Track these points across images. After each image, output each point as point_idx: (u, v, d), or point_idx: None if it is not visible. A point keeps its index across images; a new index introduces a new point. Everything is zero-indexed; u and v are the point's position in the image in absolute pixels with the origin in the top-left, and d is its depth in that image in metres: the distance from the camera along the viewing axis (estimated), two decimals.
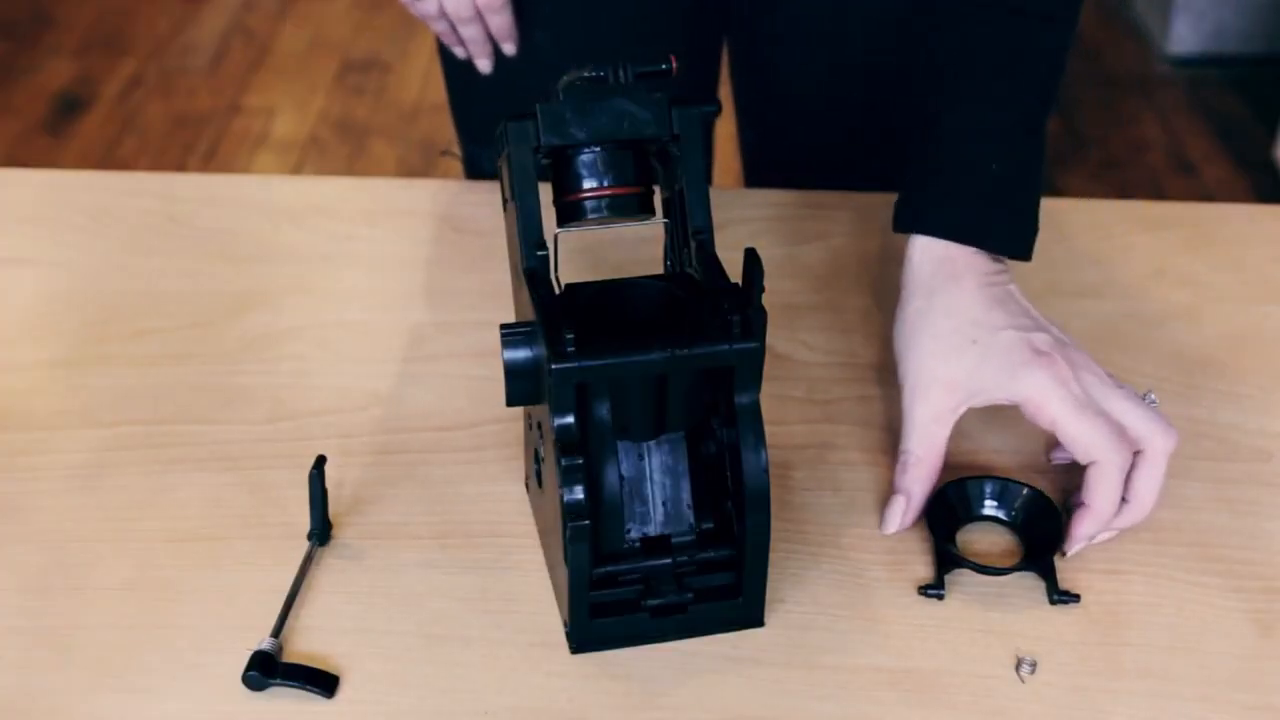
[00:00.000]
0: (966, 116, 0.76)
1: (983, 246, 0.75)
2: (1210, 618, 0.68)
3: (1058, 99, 0.79)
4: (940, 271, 0.74)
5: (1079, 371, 0.70)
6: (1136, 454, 0.70)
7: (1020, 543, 0.72)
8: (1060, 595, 0.68)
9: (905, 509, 0.71)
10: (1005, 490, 0.73)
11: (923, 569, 0.70)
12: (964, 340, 0.72)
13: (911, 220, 0.77)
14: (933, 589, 0.68)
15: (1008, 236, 0.76)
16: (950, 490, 0.72)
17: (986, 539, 0.72)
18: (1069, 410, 0.69)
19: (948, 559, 0.69)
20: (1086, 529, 0.69)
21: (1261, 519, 0.74)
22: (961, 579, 0.70)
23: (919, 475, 0.71)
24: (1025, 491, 0.72)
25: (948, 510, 0.72)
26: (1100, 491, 0.69)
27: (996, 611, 0.68)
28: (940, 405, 0.71)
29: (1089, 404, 0.69)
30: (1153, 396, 0.75)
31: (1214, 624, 0.68)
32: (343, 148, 2.62)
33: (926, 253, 0.75)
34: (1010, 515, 0.73)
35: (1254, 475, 0.76)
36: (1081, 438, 0.68)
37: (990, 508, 0.73)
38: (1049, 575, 0.68)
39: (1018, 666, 0.65)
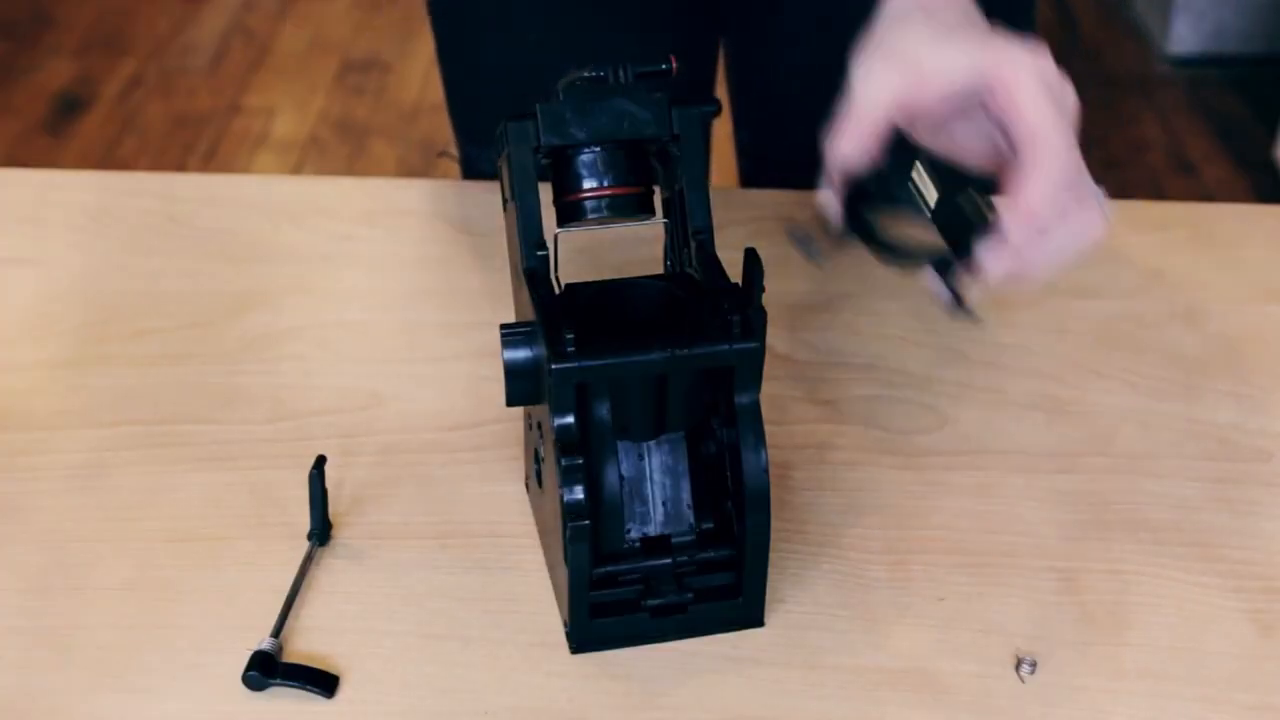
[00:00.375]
0: None
1: None
2: (1210, 618, 0.68)
3: None
4: (915, 5, 0.67)
5: (1065, 86, 0.62)
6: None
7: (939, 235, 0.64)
8: (960, 306, 0.61)
9: (834, 183, 0.64)
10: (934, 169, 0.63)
11: (923, 569, 0.70)
12: (926, 19, 0.64)
13: None
14: (802, 237, 0.62)
15: None
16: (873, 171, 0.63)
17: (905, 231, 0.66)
18: (1037, 95, 0.60)
19: (857, 226, 0.63)
20: (1015, 215, 0.60)
21: (1261, 519, 0.74)
22: (961, 579, 0.70)
23: (850, 136, 0.63)
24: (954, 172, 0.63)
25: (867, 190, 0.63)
26: (1034, 177, 0.59)
27: (996, 611, 0.68)
28: (886, 74, 0.63)
29: (1062, 107, 0.61)
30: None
31: (1214, 624, 0.68)
32: (343, 148, 2.62)
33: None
34: (931, 209, 0.63)
35: (1254, 475, 0.76)
36: (1039, 121, 0.60)
37: (914, 194, 0.63)
38: (953, 278, 0.62)
39: (1018, 666, 0.65)
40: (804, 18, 0.98)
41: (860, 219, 0.64)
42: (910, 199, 0.64)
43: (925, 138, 0.64)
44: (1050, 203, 0.60)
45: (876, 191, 0.64)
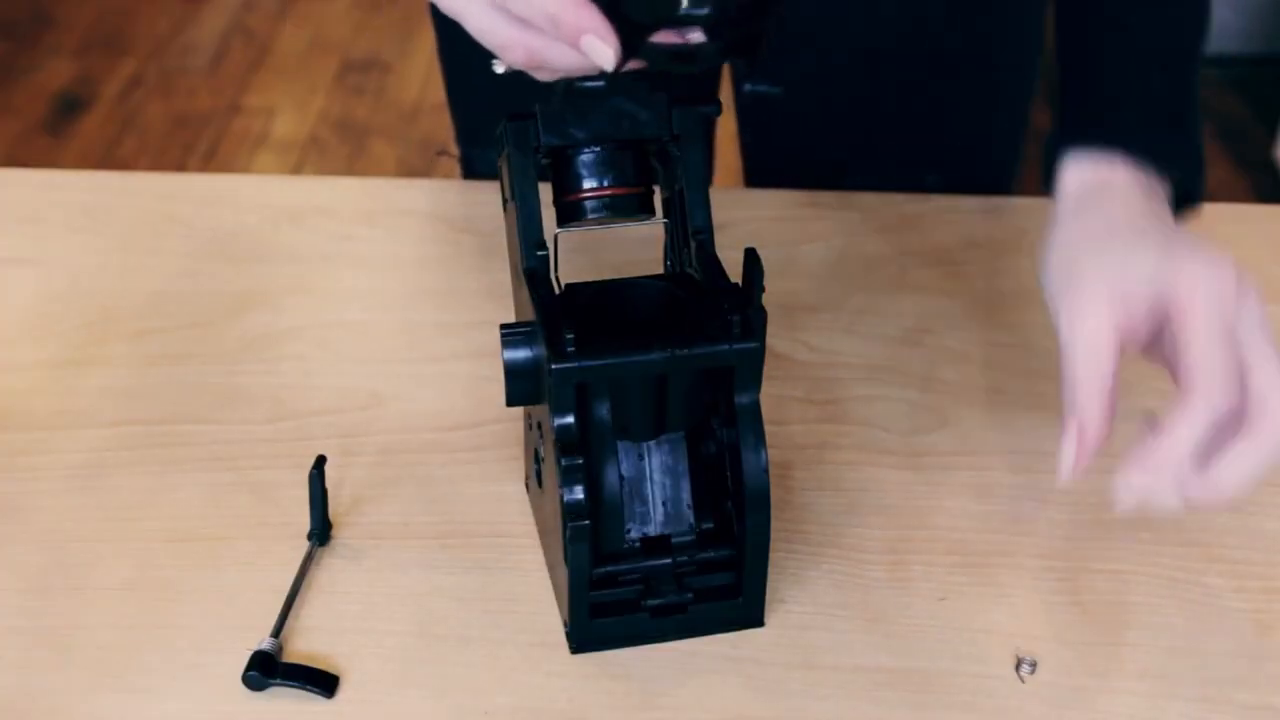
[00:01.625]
0: (1122, 42, 0.70)
1: (1148, 158, 0.67)
2: (1210, 618, 0.68)
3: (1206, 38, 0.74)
4: (1094, 193, 0.66)
5: (1245, 298, 0.60)
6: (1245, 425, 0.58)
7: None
8: (756, 85, 0.59)
9: (1080, 444, 0.60)
10: None
11: (923, 569, 0.70)
12: (1120, 245, 0.62)
13: (1065, 140, 0.69)
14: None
15: (1175, 154, 0.68)
16: None
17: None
18: (1207, 324, 0.58)
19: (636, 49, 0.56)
20: (1144, 460, 0.58)
21: (1261, 519, 0.74)
22: (961, 579, 0.70)
23: (1089, 402, 0.60)
24: None
25: (635, 10, 0.56)
26: (1173, 423, 0.57)
27: (997, 611, 0.68)
28: (1095, 305, 0.61)
29: (1231, 332, 0.58)
30: None
31: (1214, 624, 0.68)
32: (343, 148, 2.62)
33: (1079, 176, 0.67)
34: (711, 7, 0.56)
35: None
36: (1200, 359, 0.57)
37: (684, 6, 0.56)
38: (752, 58, 0.58)
39: (1018, 666, 0.65)
40: (808, 18, 0.98)
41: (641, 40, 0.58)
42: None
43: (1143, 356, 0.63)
44: (1188, 447, 0.58)
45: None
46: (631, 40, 0.55)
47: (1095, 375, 0.60)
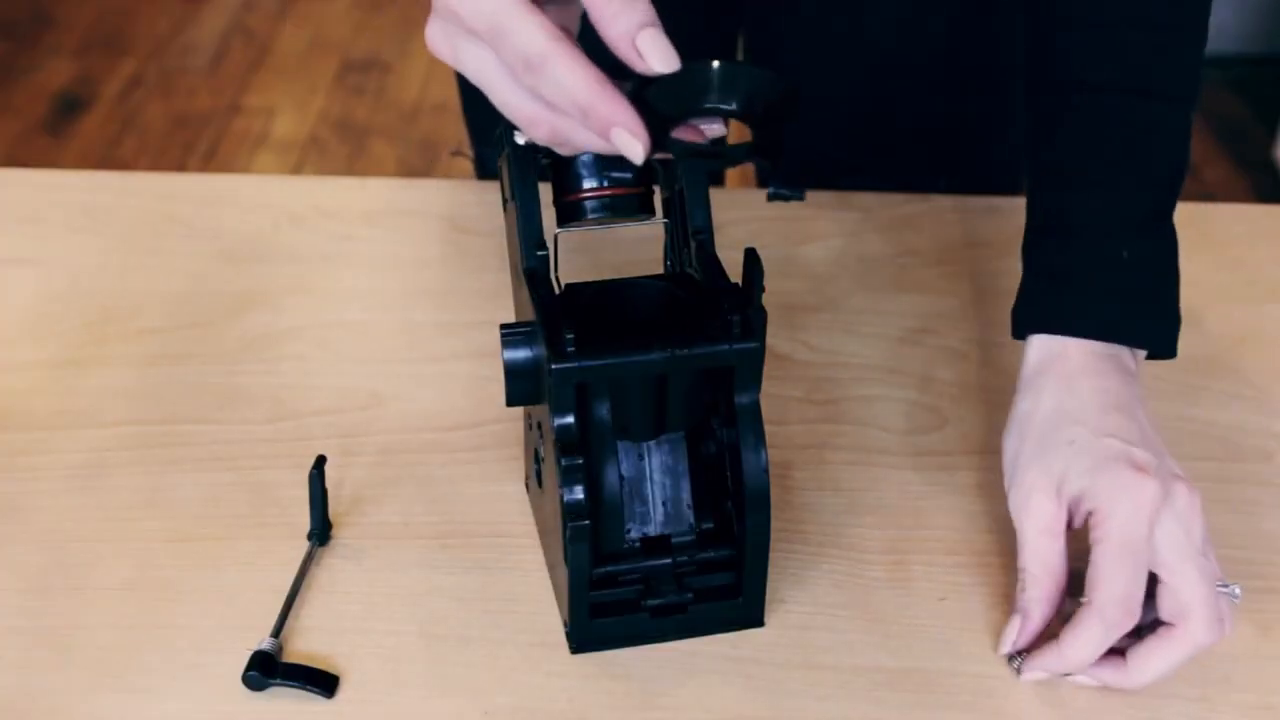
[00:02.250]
0: (1093, 208, 0.70)
1: (1123, 341, 0.69)
2: None
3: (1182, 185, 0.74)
4: (1052, 370, 0.68)
5: (1168, 510, 0.63)
6: (1163, 625, 0.63)
7: (752, 131, 0.58)
8: (779, 189, 0.60)
9: (1021, 629, 0.64)
10: (732, 76, 0.57)
11: (923, 569, 0.70)
12: (1062, 440, 0.65)
13: (1039, 320, 0.70)
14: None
15: (1149, 332, 0.70)
16: (665, 82, 0.55)
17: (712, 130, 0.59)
18: (1120, 540, 0.62)
19: (664, 145, 0.56)
20: (1044, 659, 0.64)
21: (1261, 519, 0.74)
22: (961, 579, 0.70)
23: (1037, 595, 0.64)
24: (755, 74, 0.57)
25: (661, 103, 0.56)
26: (1072, 637, 0.62)
27: (997, 611, 0.68)
28: (1043, 514, 0.65)
29: (1144, 548, 0.62)
30: (1237, 591, 0.65)
31: None
32: (343, 148, 2.62)
33: (1041, 351, 0.70)
34: (739, 104, 0.57)
35: (1254, 475, 0.76)
36: (1105, 574, 0.62)
37: (713, 99, 0.57)
38: (775, 161, 0.58)
39: (1010, 660, 0.65)
40: (822, 18, 0.98)
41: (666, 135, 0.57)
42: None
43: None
44: (1087, 658, 0.63)
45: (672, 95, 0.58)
46: (657, 132, 0.55)
47: (1044, 572, 0.64)
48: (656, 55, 0.53)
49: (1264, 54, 2.83)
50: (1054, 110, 0.72)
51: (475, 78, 0.56)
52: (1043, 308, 0.71)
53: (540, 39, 0.52)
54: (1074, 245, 0.71)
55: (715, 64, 0.56)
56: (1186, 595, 0.62)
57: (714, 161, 0.59)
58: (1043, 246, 0.72)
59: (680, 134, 0.56)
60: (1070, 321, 0.69)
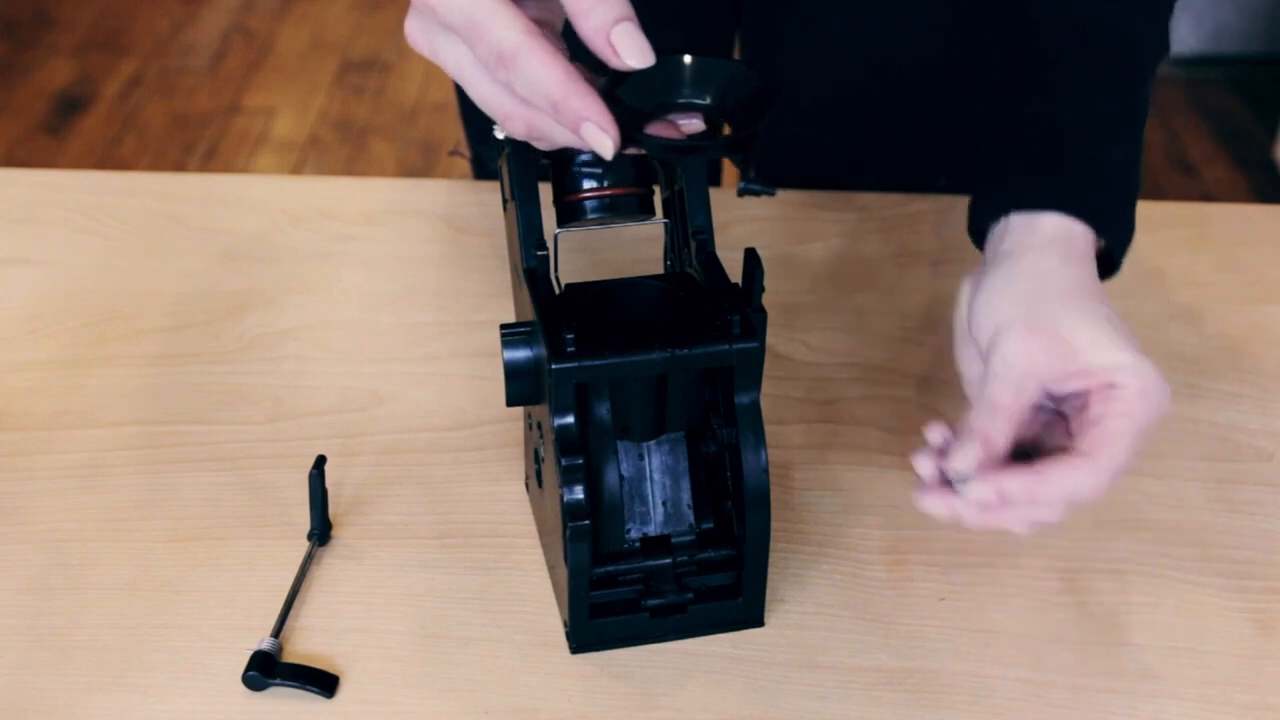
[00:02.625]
0: (1082, 110, 0.70)
1: (1077, 214, 0.68)
2: (1210, 618, 0.68)
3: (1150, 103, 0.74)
4: (1023, 241, 0.67)
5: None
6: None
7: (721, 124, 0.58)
8: (750, 184, 0.60)
9: (978, 453, 0.61)
10: (705, 71, 0.58)
11: (923, 569, 0.70)
12: (1099, 313, 0.64)
13: (998, 203, 0.70)
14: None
15: (1107, 215, 0.69)
16: (637, 77, 0.55)
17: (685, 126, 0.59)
18: (1144, 422, 0.62)
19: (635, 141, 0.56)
20: (1013, 483, 0.60)
21: (1261, 519, 0.74)
22: (961, 579, 0.70)
23: (1001, 423, 0.62)
24: (729, 68, 0.58)
25: (634, 98, 0.56)
26: (1059, 477, 0.61)
27: (996, 611, 0.68)
28: (1052, 364, 0.63)
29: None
30: None
31: (1214, 624, 0.68)
32: (343, 148, 2.62)
33: (1007, 227, 0.68)
34: (712, 99, 0.58)
35: (1254, 475, 0.76)
36: (1120, 445, 0.61)
37: (686, 94, 0.58)
38: (748, 156, 0.57)
39: (951, 477, 0.62)
40: (819, 19, 0.98)
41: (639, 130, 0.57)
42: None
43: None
44: (1065, 494, 0.61)
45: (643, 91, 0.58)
46: (630, 128, 0.55)
47: (1011, 405, 0.63)
48: (631, 50, 0.53)
49: (1264, 54, 2.83)
50: (1032, 37, 0.73)
51: (453, 73, 0.56)
52: (1003, 190, 0.69)
53: (512, 34, 0.53)
54: (1067, 139, 0.70)
55: (687, 58, 0.56)
56: (1121, 443, 0.62)
57: (689, 157, 0.59)
58: (1027, 139, 0.71)
59: (657, 130, 0.56)
60: (1023, 198, 0.68)
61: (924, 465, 0.63)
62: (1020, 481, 0.61)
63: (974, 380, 0.67)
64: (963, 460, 0.61)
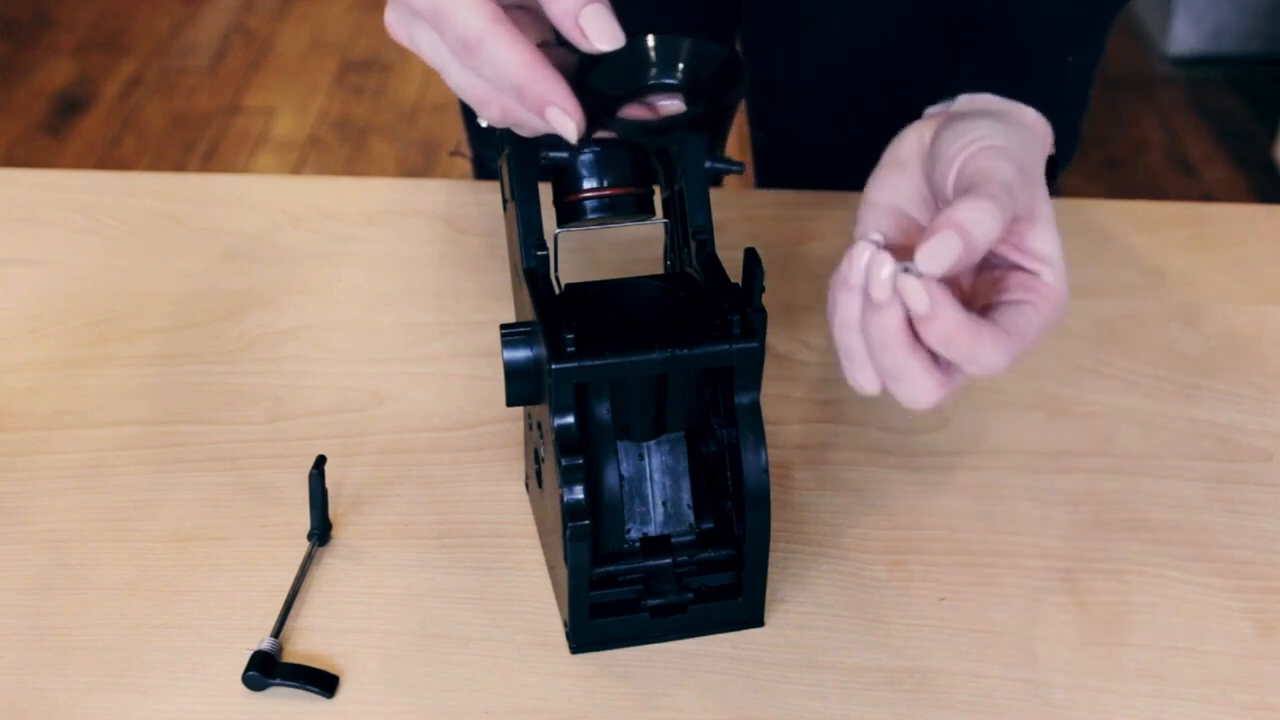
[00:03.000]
0: (1044, 19, 0.69)
1: (1048, 116, 0.65)
2: (1210, 618, 0.68)
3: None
4: (1006, 108, 0.65)
5: None
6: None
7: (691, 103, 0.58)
8: (717, 162, 0.57)
9: (959, 246, 0.53)
10: (670, 49, 0.57)
11: (923, 569, 0.70)
12: (1036, 158, 0.61)
13: (996, 87, 0.67)
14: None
15: (1047, 99, 0.66)
16: (605, 61, 0.55)
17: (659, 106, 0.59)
18: (1039, 334, 0.58)
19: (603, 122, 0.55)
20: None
21: (1261, 519, 0.74)
22: (961, 579, 0.70)
23: (992, 219, 0.55)
24: (694, 46, 0.58)
25: (603, 83, 0.56)
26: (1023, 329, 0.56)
27: (996, 611, 0.68)
28: (1007, 207, 0.56)
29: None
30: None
31: (1214, 624, 0.68)
32: (343, 148, 2.62)
33: (987, 99, 0.66)
34: (682, 77, 0.57)
35: (1254, 475, 0.76)
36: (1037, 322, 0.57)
37: (654, 75, 0.57)
38: (717, 133, 0.57)
39: (899, 270, 0.54)
40: (820, 18, 0.98)
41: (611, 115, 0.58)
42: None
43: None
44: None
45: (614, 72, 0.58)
46: (599, 112, 0.55)
47: (1007, 202, 0.57)
48: (601, 33, 0.53)
49: (1264, 54, 2.83)
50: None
51: (430, 61, 0.56)
52: (1028, 91, 0.67)
53: (476, 20, 0.53)
54: (1026, 41, 0.69)
55: (651, 38, 0.56)
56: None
57: (657, 138, 0.59)
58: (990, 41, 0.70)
59: (632, 112, 0.56)
60: (1049, 109, 0.66)
61: (875, 260, 0.54)
62: (953, 313, 0.54)
63: (890, 206, 0.62)
64: (946, 247, 0.53)
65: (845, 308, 0.56)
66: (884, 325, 0.54)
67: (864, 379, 0.58)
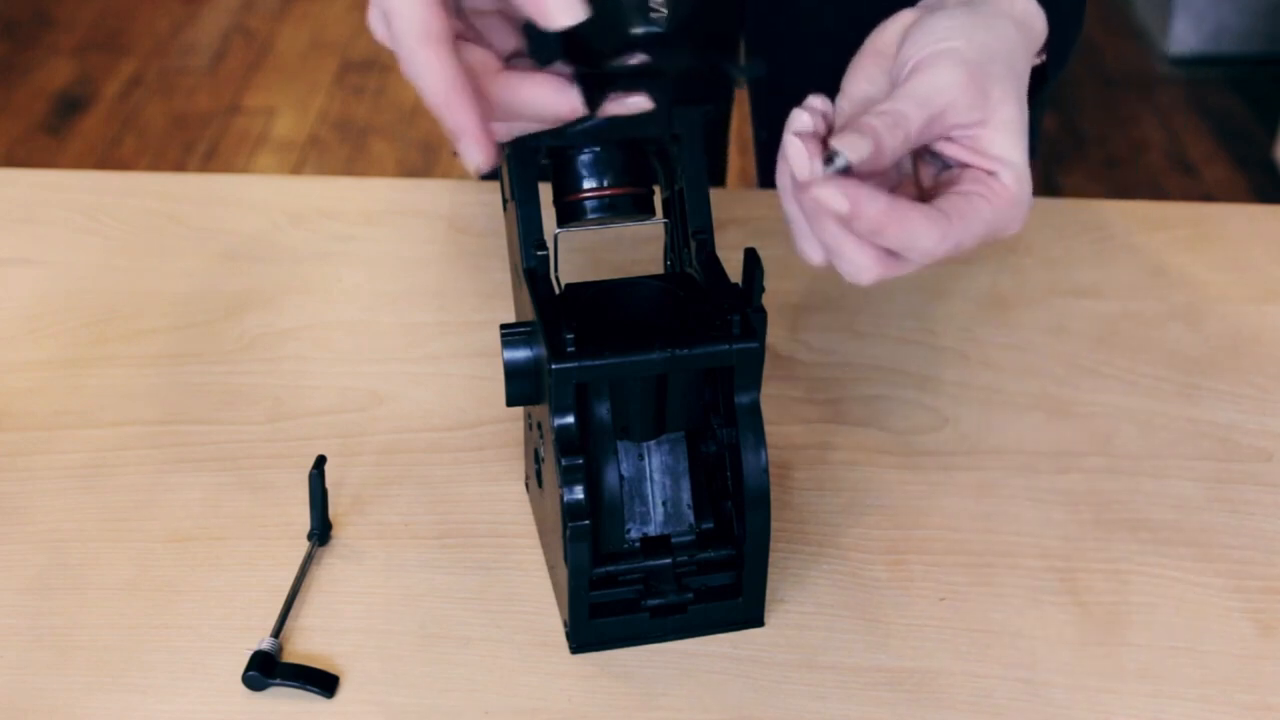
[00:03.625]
0: None
1: (1044, 6, 0.64)
2: (1210, 618, 0.68)
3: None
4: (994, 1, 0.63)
5: None
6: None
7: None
8: (735, 69, 0.58)
9: (870, 146, 0.56)
10: None
11: (923, 569, 0.70)
12: (1001, 60, 0.61)
13: None
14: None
15: (1058, 30, 0.66)
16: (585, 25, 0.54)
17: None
18: (988, 229, 0.59)
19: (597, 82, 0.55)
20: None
21: (1261, 519, 0.74)
22: (961, 579, 0.70)
23: (898, 138, 0.57)
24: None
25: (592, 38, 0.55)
26: (923, 228, 0.56)
27: (996, 611, 0.68)
28: (960, 86, 0.58)
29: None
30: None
31: (1214, 624, 0.68)
32: (343, 148, 2.62)
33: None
34: (667, 10, 0.57)
35: (1254, 475, 0.76)
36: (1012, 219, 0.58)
37: (639, 20, 0.56)
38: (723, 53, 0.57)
39: (828, 160, 0.57)
40: (822, 16, 0.98)
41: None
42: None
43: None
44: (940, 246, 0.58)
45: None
46: (600, 72, 0.55)
47: (918, 128, 0.59)
48: (560, 6, 0.52)
49: (1264, 54, 2.83)
50: None
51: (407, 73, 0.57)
52: None
53: (408, 37, 0.53)
54: None
55: None
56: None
57: (662, 77, 0.58)
58: None
59: (613, 105, 0.56)
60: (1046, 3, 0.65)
61: (802, 143, 0.56)
62: (877, 205, 0.55)
63: (862, 97, 0.63)
64: (854, 148, 0.56)
65: (782, 173, 0.58)
66: (814, 203, 0.56)
67: (809, 248, 0.61)
